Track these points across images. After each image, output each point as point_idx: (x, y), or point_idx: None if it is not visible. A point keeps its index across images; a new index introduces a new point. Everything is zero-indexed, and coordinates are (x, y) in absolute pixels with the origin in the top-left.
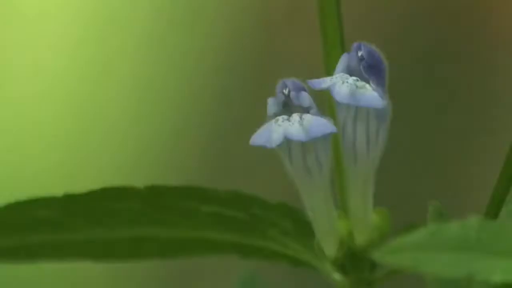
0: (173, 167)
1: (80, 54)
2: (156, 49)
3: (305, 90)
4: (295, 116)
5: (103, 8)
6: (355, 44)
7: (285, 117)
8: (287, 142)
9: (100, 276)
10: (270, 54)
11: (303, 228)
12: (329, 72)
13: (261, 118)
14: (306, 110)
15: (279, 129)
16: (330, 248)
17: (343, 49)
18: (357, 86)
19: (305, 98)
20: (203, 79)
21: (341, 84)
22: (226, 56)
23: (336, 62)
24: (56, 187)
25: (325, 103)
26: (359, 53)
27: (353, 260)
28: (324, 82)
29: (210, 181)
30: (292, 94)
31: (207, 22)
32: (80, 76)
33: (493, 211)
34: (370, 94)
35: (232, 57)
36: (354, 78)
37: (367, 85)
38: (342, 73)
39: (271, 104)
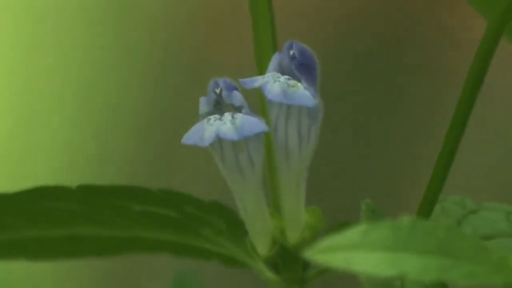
0: (107, 166)
1: (10, 56)
2: (87, 48)
3: (236, 89)
4: (227, 115)
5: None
6: (287, 43)
7: (217, 116)
8: (219, 141)
9: (37, 275)
10: (202, 53)
11: (236, 227)
12: (262, 71)
13: (193, 118)
14: (238, 109)
15: (211, 128)
16: (263, 247)
17: (275, 48)
18: (288, 85)
19: (237, 97)
20: (136, 78)
21: (273, 82)
22: (158, 55)
23: (268, 62)
24: None
25: (257, 103)
26: (291, 52)
27: (286, 258)
28: (256, 81)
29: (144, 181)
30: (224, 93)
31: (139, 20)
32: (9, 76)
33: (425, 210)
34: (302, 93)
35: (164, 55)
36: (286, 76)
37: (299, 84)
38: (274, 72)
39: (203, 103)
